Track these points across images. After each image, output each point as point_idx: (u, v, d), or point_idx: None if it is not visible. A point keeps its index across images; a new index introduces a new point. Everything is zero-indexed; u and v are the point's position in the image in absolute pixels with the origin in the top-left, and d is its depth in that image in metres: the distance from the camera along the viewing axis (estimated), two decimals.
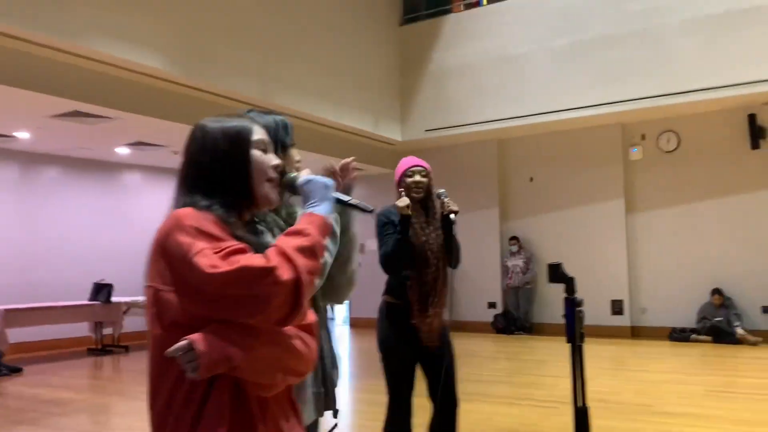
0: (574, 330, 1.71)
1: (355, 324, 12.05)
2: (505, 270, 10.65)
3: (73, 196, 9.70)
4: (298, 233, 1.29)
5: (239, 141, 1.38)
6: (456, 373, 3.10)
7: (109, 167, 10.23)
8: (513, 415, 4.99)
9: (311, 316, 1.37)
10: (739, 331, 8.62)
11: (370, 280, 13.46)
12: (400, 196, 3.09)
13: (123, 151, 9.37)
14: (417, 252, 3.01)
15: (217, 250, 1.19)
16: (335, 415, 1.83)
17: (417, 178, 3.17)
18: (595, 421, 4.71)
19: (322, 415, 1.79)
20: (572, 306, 1.74)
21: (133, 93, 6.97)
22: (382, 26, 10.85)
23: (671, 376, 6.51)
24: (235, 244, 1.23)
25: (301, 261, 1.22)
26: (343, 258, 1.71)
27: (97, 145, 8.94)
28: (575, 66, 9.52)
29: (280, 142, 1.65)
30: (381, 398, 5.14)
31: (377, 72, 10.55)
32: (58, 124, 7.45)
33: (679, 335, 9.13)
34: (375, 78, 10.47)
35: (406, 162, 3.22)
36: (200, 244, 1.20)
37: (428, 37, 10.88)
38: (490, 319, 10.65)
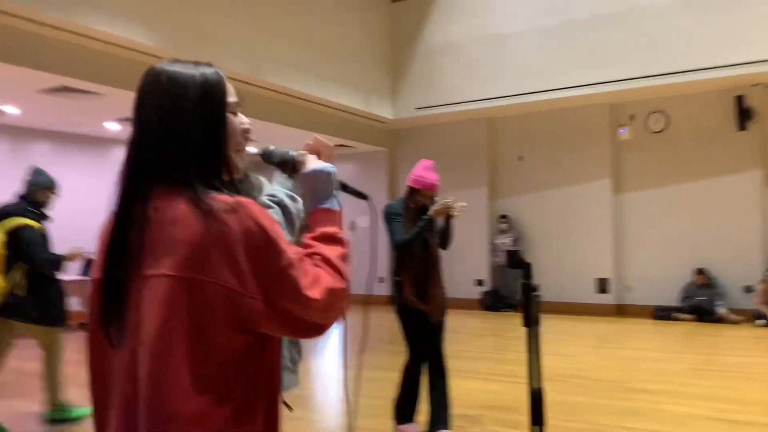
0: (530, 314, 1.77)
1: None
2: (494, 248, 10.74)
3: (63, 171, 9.67)
4: (337, 240, 1.24)
5: (217, 101, 1.18)
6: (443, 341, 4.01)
7: (99, 142, 10.23)
8: (493, 391, 5.10)
9: None
10: (722, 310, 8.76)
11: (361, 257, 13.43)
12: (413, 195, 3.88)
13: (113, 126, 9.36)
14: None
15: (298, 258, 1.13)
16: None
17: (432, 195, 3.90)
18: (570, 398, 4.85)
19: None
20: (528, 291, 1.80)
21: (121, 68, 6.95)
22: (374, 2, 10.80)
23: (651, 354, 6.64)
24: (298, 249, 1.17)
25: (346, 271, 1.20)
26: None
27: (87, 121, 8.92)
28: (565, 45, 9.52)
29: None
30: (371, 374, 5.33)
31: (368, 49, 10.53)
32: (47, 99, 7.44)
33: (662, 314, 9.28)
34: (366, 55, 10.45)
35: (430, 177, 3.85)
36: (290, 253, 1.12)
37: (420, 13, 10.84)
38: (478, 296, 10.77)
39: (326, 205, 1.32)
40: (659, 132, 9.79)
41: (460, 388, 5.15)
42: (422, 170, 3.88)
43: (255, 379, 1.13)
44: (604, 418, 4.29)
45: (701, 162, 9.44)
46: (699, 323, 8.76)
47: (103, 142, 10.28)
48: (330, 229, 1.25)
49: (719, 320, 8.72)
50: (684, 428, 4.04)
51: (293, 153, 1.40)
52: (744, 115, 8.95)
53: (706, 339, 7.60)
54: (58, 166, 9.65)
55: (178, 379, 1.04)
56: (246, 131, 1.26)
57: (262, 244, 1.08)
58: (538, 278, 9.01)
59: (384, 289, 11.72)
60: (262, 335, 1.13)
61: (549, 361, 6.28)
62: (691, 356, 6.54)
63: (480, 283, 10.86)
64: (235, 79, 8.05)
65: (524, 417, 4.34)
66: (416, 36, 10.84)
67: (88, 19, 6.11)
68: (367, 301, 11.34)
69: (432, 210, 3.77)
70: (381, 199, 11.91)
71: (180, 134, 1.14)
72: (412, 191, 3.88)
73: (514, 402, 4.74)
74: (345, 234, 1.27)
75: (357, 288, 13.50)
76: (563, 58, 9.52)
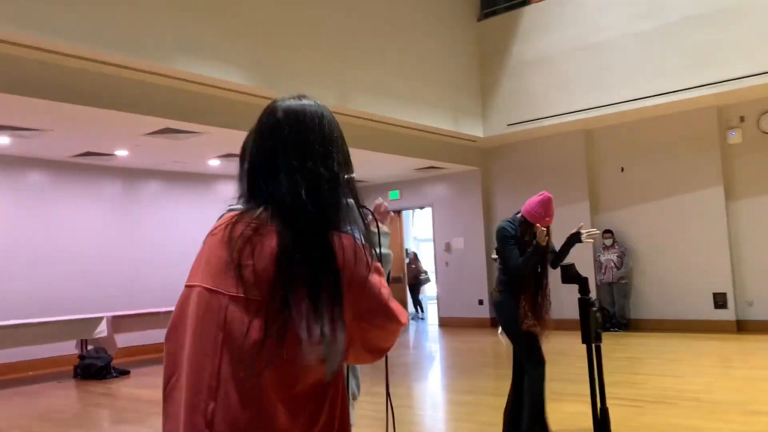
0: (590, 331, 1.65)
1: (445, 323, 12.04)
2: (599, 265, 10.30)
3: (171, 207, 10.30)
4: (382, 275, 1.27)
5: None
6: None
7: (203, 179, 10.78)
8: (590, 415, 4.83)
9: None
10: None
11: (458, 279, 13.41)
12: (528, 226, 3.97)
13: (215, 162, 9.83)
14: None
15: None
16: None
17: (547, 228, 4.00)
18: (682, 421, 4.52)
19: None
20: (586, 306, 1.69)
21: (218, 108, 7.31)
22: (460, 23, 10.80)
23: None
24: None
25: None
26: None
27: (190, 159, 9.44)
28: (662, 50, 9.08)
29: None
30: (468, 398, 5.24)
31: (456, 69, 10.51)
32: (152, 141, 7.95)
33: None
34: (454, 76, 10.43)
35: (545, 216, 3.91)
36: (386, 286, 1.21)
37: (507, 30, 10.72)
38: None
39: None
40: None
41: (562, 411, 4.94)
42: (539, 206, 3.91)
43: (333, 405, 1.17)
44: None
45: None
46: None
47: (206, 178, 10.82)
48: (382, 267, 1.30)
49: None
50: None
51: None
52: None
53: None
54: (168, 203, 10.28)
55: (271, 401, 1.10)
56: None
57: (367, 278, 1.16)
58: (650, 294, 8.52)
59: (484, 311, 11.55)
60: None
61: (660, 383, 5.90)
62: None
63: None
64: None
65: None
66: (504, 52, 10.71)
67: (185, 64, 6.48)
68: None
69: (538, 238, 3.87)
70: (476, 219, 11.76)
71: (347, 178, 1.25)
72: (526, 221, 3.96)
73: (616, 427, 4.47)
74: None
75: (458, 311, 13.30)
76: (662, 62, 9.08)
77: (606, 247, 10.21)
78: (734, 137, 9.38)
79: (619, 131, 10.35)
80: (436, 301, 12.96)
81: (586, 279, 1.60)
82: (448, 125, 10.07)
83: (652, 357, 7.52)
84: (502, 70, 10.72)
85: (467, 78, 10.74)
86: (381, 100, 8.79)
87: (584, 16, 9.89)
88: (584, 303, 1.64)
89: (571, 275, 1.56)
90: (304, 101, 1.28)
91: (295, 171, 1.20)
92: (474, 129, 10.68)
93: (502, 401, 5.49)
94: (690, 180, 9.66)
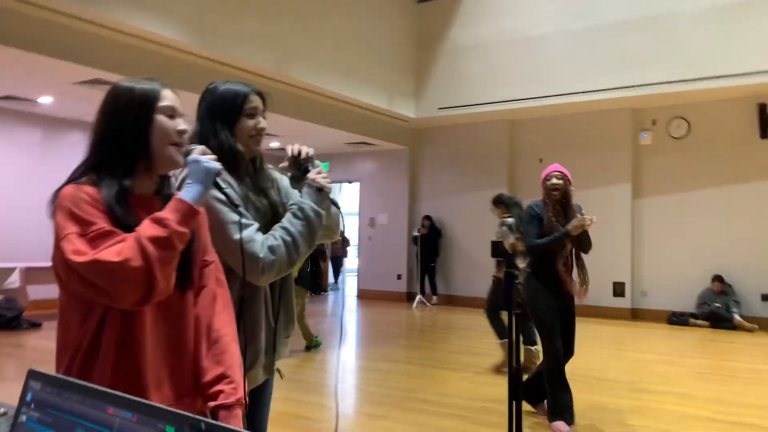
0: (512, 300, 1.93)
1: (363, 296, 12.35)
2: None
3: None
4: (159, 223, 1.32)
5: (141, 104, 1.44)
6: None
7: None
8: (497, 385, 5.23)
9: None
10: (737, 317, 8.77)
11: (379, 253, 13.65)
12: (546, 195, 4.08)
13: None
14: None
15: (82, 234, 1.30)
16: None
17: (553, 180, 4.07)
18: (577, 395, 4.95)
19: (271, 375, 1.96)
20: (511, 279, 1.96)
21: (151, 63, 7.18)
22: (400, 2, 10.95)
23: (662, 358, 6.70)
24: (101, 227, 1.31)
25: (154, 252, 1.28)
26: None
27: None
28: (589, 50, 9.59)
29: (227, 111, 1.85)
30: (381, 365, 5.49)
31: (393, 48, 10.68)
32: (81, 90, 7.71)
33: (678, 319, 9.30)
34: (391, 54, 10.60)
35: (548, 168, 4.13)
36: (69, 228, 1.31)
37: (445, 14, 10.97)
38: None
39: (184, 197, 1.39)
40: (680, 138, 9.80)
41: (469, 381, 5.29)
42: (544, 172, 4.13)
43: (78, 329, 1.37)
44: (607, 414, 4.40)
45: (721, 169, 9.43)
46: (713, 330, 8.77)
47: None
48: (163, 214, 1.34)
49: (734, 327, 8.72)
50: (682, 427, 4.13)
51: (189, 148, 1.50)
52: (767, 122, 8.93)
53: (718, 345, 7.63)
54: None
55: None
56: (182, 132, 1.48)
57: (55, 217, 1.35)
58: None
59: (401, 286, 11.91)
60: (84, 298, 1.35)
61: None
62: (700, 361, 6.60)
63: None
64: (261, 75, 8.27)
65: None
66: (441, 36, 10.97)
67: (123, 14, 6.35)
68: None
69: (571, 225, 3.94)
70: (402, 197, 12.06)
71: (107, 132, 1.45)
72: (544, 190, 4.09)
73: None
74: (176, 225, 1.33)
75: (376, 284, 13.56)
76: (587, 61, 9.58)
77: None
78: (645, 139, 10.05)
79: (541, 124, 10.86)
80: (356, 273, 13.23)
81: (512, 254, 1.88)
82: (381, 103, 10.25)
83: None
84: (437, 54, 10.98)
85: (403, 58, 10.93)
86: (317, 71, 8.86)
87: (520, 9, 10.26)
88: (509, 275, 1.91)
89: (500, 251, 1.79)
90: (130, 81, 1.49)
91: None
92: (406, 109, 10.92)
93: (414, 369, 5.86)
94: (602, 175, 10.28)
